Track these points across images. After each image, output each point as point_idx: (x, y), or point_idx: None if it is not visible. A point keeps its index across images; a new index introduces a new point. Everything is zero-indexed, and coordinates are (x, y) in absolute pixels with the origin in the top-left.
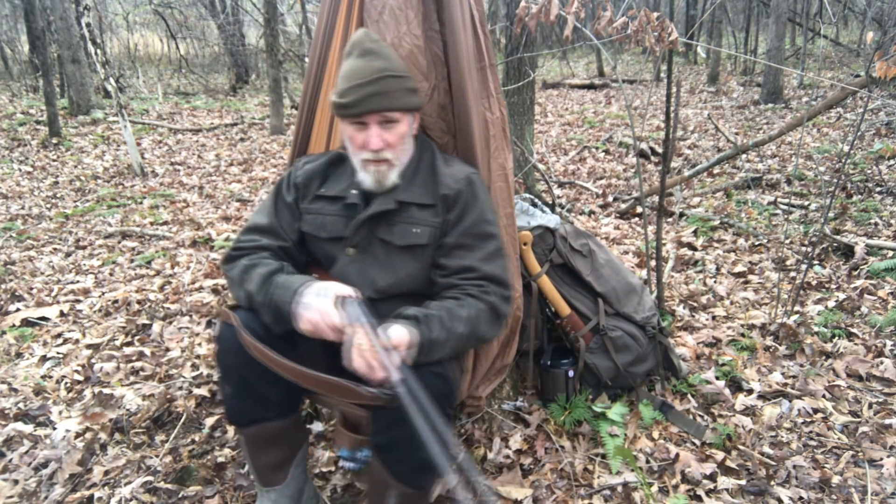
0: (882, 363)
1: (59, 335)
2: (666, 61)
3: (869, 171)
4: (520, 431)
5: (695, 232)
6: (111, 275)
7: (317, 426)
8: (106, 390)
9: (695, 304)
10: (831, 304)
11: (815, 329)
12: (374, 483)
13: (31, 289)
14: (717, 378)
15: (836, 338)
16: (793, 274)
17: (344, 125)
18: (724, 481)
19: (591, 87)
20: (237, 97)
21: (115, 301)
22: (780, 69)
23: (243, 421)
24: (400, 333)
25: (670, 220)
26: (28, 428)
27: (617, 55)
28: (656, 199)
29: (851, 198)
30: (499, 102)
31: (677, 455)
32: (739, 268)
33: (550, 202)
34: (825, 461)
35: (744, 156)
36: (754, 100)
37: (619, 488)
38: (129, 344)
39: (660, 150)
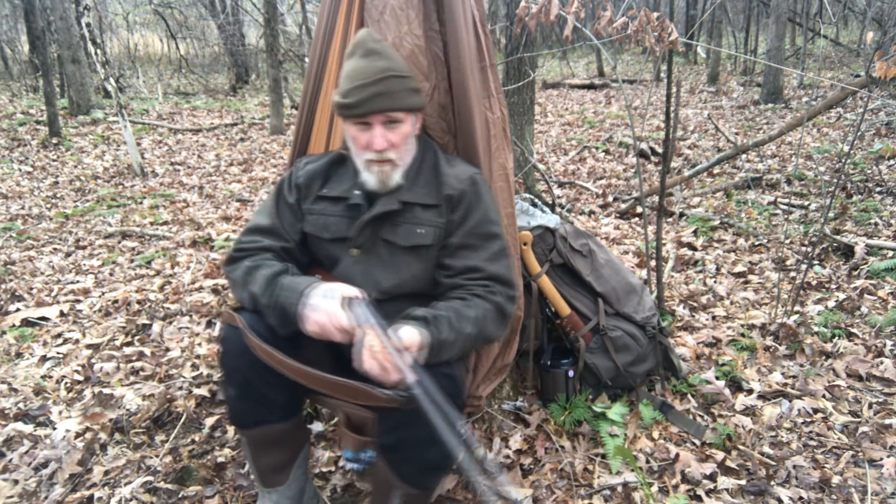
0: (882, 363)
1: (59, 335)
2: (666, 61)
3: (869, 171)
4: (520, 431)
5: (695, 232)
6: (111, 275)
7: (317, 426)
8: (106, 390)
9: (695, 304)
10: (831, 304)
11: (815, 329)
12: (378, 483)
13: (31, 289)
14: (717, 378)
15: (836, 338)
16: (793, 274)
17: (347, 125)
18: (724, 481)
19: (591, 87)
20: (237, 97)
21: (115, 301)
22: (780, 69)
23: (247, 423)
24: (411, 335)
25: (670, 220)
26: (28, 428)
27: (617, 55)
28: (656, 199)
29: (851, 198)
30: (499, 102)
31: (677, 455)
32: (739, 268)
33: (550, 202)
34: (825, 461)
35: (744, 156)
36: (754, 100)
37: (619, 488)
38: (129, 344)
39: (660, 150)
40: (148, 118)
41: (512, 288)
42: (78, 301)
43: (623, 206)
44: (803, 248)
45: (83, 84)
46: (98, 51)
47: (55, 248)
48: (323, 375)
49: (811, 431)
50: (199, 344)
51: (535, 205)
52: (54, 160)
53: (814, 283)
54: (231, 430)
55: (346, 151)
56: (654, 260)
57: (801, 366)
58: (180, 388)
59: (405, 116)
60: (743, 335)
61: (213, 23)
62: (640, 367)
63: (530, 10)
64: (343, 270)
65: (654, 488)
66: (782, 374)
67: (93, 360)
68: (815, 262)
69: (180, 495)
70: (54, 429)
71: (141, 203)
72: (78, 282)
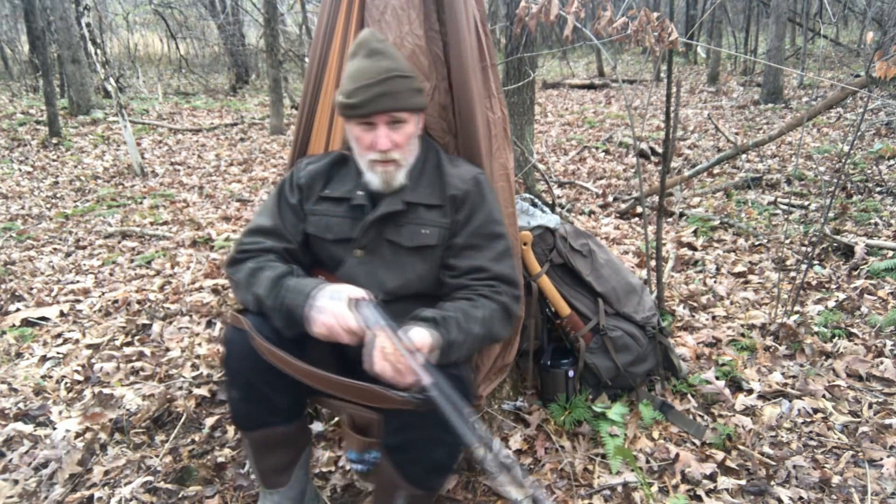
0: (882, 363)
1: (59, 335)
2: (666, 61)
3: (869, 171)
4: (520, 431)
5: (695, 232)
6: (111, 275)
7: (317, 426)
8: (106, 390)
9: (695, 304)
10: (831, 304)
11: (815, 329)
12: (381, 484)
13: (31, 289)
14: (717, 378)
15: (836, 338)
16: (793, 274)
17: (350, 126)
18: (724, 481)
19: (591, 87)
20: (237, 97)
21: (115, 301)
22: (780, 69)
23: (250, 425)
24: (422, 336)
25: (670, 220)
26: (28, 428)
27: (617, 55)
28: (656, 199)
29: (851, 198)
30: (500, 102)
31: (677, 455)
32: (739, 268)
33: (550, 202)
34: (825, 461)
35: (744, 156)
36: (754, 100)
37: (619, 488)
38: (129, 344)
39: (660, 150)
40: (148, 118)
41: (517, 287)
42: (78, 301)
43: (623, 206)
44: (803, 248)
45: (83, 84)
46: (98, 51)
47: (55, 248)
48: (334, 377)
49: (811, 431)
50: (199, 344)
51: (535, 205)
52: (54, 160)
53: (814, 283)
54: (231, 429)
55: (348, 152)
56: (654, 260)
57: (801, 366)
58: (180, 388)
59: (409, 116)
60: (743, 335)
61: (213, 23)
62: (640, 367)
63: (530, 10)
64: (347, 271)
65: (654, 488)
66: (782, 374)
67: (93, 360)
68: (815, 262)
69: (180, 495)
70: (54, 429)
71: (141, 203)
72: (78, 282)
